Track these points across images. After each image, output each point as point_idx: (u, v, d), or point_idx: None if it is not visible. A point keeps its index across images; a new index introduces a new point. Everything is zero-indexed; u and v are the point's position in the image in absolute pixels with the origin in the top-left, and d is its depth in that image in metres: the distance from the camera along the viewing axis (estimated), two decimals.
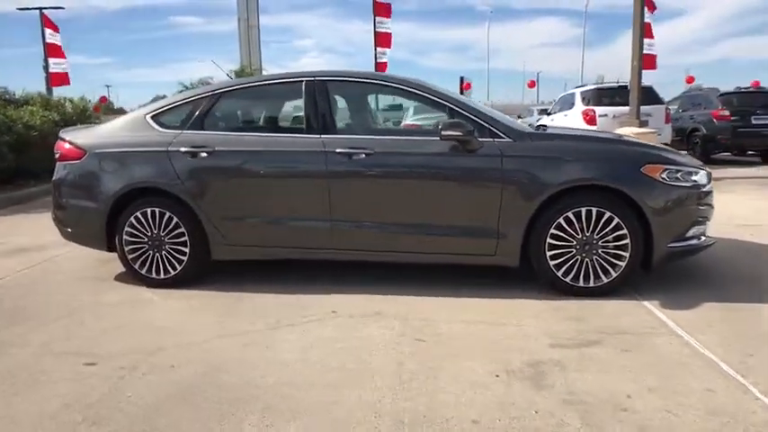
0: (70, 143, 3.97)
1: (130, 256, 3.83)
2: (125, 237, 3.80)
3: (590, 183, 3.31)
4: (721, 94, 10.91)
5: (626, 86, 10.40)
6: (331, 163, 3.52)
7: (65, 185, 3.98)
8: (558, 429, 2.05)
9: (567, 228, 3.36)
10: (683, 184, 3.37)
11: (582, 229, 3.35)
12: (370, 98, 4.30)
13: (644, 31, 8.52)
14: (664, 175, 3.33)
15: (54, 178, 4.05)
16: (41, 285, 4.01)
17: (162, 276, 3.81)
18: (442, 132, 3.32)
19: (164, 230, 3.76)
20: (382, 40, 25.76)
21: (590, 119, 10.22)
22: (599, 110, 10.06)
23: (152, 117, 3.89)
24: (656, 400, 2.24)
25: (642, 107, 9.72)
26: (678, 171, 3.38)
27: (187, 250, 3.75)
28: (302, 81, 3.72)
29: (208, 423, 2.15)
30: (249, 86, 3.90)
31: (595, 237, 3.35)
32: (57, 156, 4.06)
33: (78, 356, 2.78)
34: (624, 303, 3.32)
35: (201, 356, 2.74)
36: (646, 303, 3.30)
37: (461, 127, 3.32)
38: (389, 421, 2.13)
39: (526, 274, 3.62)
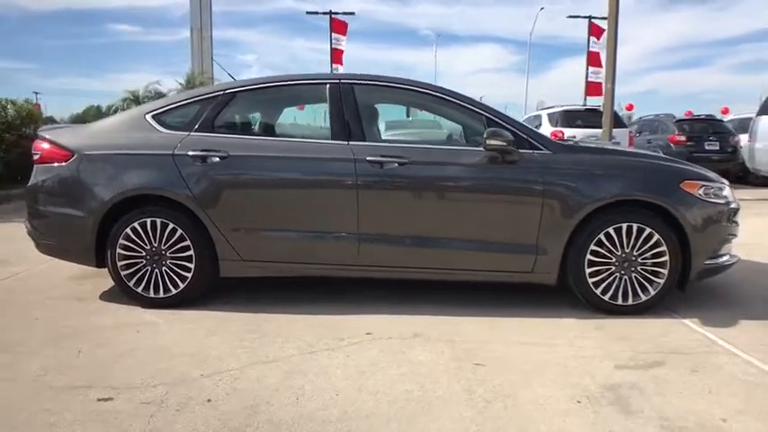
0: (54, 143, 3.50)
1: (124, 273, 3.39)
2: (119, 250, 3.37)
3: (634, 198, 3.23)
4: (677, 121, 11.47)
5: (592, 109, 10.74)
6: (360, 172, 3.26)
7: (46, 191, 3.50)
8: None
9: (606, 244, 3.26)
10: (718, 201, 3.35)
11: (621, 246, 3.26)
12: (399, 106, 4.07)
13: (615, 56, 8.78)
14: (701, 192, 3.30)
15: (31, 182, 3.55)
16: (11, 307, 3.48)
17: (161, 295, 3.39)
18: (487, 141, 3.14)
19: (165, 243, 3.36)
20: (336, 56, 25.85)
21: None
22: (567, 132, 10.28)
23: (153, 116, 3.49)
24: (753, 422, 2.12)
25: None
26: (712, 188, 3.37)
27: (192, 266, 3.36)
28: (326, 84, 3.46)
29: None
30: (266, 86, 3.56)
31: (635, 253, 3.26)
32: (36, 157, 3.57)
33: (87, 390, 2.36)
34: (664, 321, 3.23)
35: (239, 387, 2.39)
36: (686, 321, 3.23)
37: (504, 136, 3.16)
38: None
39: (547, 291, 3.49)
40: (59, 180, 3.45)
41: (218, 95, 3.49)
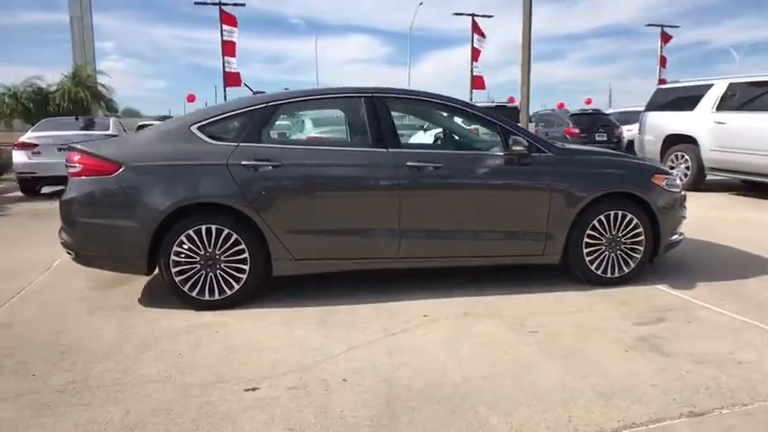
0: (96, 156, 3.51)
1: (179, 278, 3.52)
2: (173, 257, 3.49)
3: (621, 190, 3.99)
4: (571, 115, 13.03)
5: (501, 106, 11.86)
6: (402, 175, 3.69)
7: (88, 203, 3.51)
8: (715, 382, 2.58)
9: (598, 228, 4.00)
10: (675, 190, 4.24)
11: (609, 229, 4.02)
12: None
13: (530, 60, 9.88)
14: (664, 183, 4.16)
15: (71, 195, 3.53)
16: (64, 319, 3.46)
17: (216, 297, 3.58)
18: (513, 147, 3.73)
19: (219, 248, 3.54)
20: (228, 48, 25.18)
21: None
22: (482, 129, 11.24)
23: (199, 128, 3.63)
24: (750, 353, 2.91)
25: None
26: (670, 180, 4.24)
27: (247, 268, 3.58)
28: (361, 97, 3.83)
29: (445, 420, 2.26)
30: (306, 99, 3.86)
31: (619, 235, 4.04)
32: (73, 170, 3.54)
33: (226, 384, 2.59)
34: (646, 288, 4.03)
35: (360, 367, 2.75)
36: (660, 287, 4.06)
37: (523, 143, 3.77)
38: (592, 395, 2.47)
39: (539, 270, 4.18)
40: (105, 192, 3.48)
41: (262, 108, 3.72)
